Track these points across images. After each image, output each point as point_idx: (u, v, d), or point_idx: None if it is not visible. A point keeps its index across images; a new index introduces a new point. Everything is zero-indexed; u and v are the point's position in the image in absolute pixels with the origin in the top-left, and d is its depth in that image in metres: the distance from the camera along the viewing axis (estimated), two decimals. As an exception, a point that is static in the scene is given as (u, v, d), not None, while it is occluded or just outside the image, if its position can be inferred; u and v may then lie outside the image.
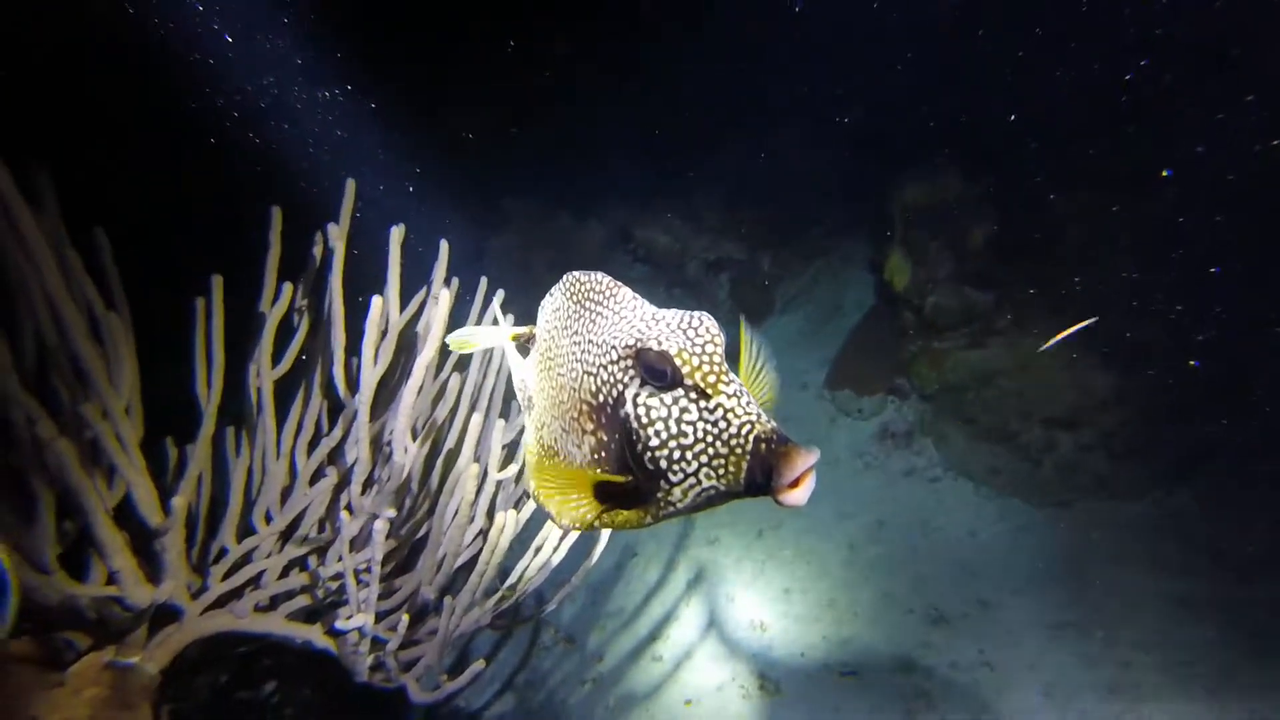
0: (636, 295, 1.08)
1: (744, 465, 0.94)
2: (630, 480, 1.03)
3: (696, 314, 1.01)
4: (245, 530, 2.23)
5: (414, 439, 2.09)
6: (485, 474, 2.15)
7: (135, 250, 2.23)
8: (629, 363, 1.01)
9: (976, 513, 4.47)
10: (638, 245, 5.81)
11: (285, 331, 2.34)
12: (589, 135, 5.89)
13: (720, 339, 1.00)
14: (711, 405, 0.97)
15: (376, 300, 1.80)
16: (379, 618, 2.26)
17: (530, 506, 2.27)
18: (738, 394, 0.97)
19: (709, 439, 0.97)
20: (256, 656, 2.41)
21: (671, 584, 4.51)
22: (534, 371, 1.20)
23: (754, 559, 4.65)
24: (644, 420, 0.99)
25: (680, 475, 0.99)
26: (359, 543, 2.10)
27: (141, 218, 2.77)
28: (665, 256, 5.73)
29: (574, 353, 1.10)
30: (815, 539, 4.70)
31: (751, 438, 0.94)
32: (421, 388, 1.98)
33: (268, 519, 2.22)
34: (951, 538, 4.47)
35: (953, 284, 4.50)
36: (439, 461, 2.29)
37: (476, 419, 1.84)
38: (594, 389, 1.06)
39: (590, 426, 1.07)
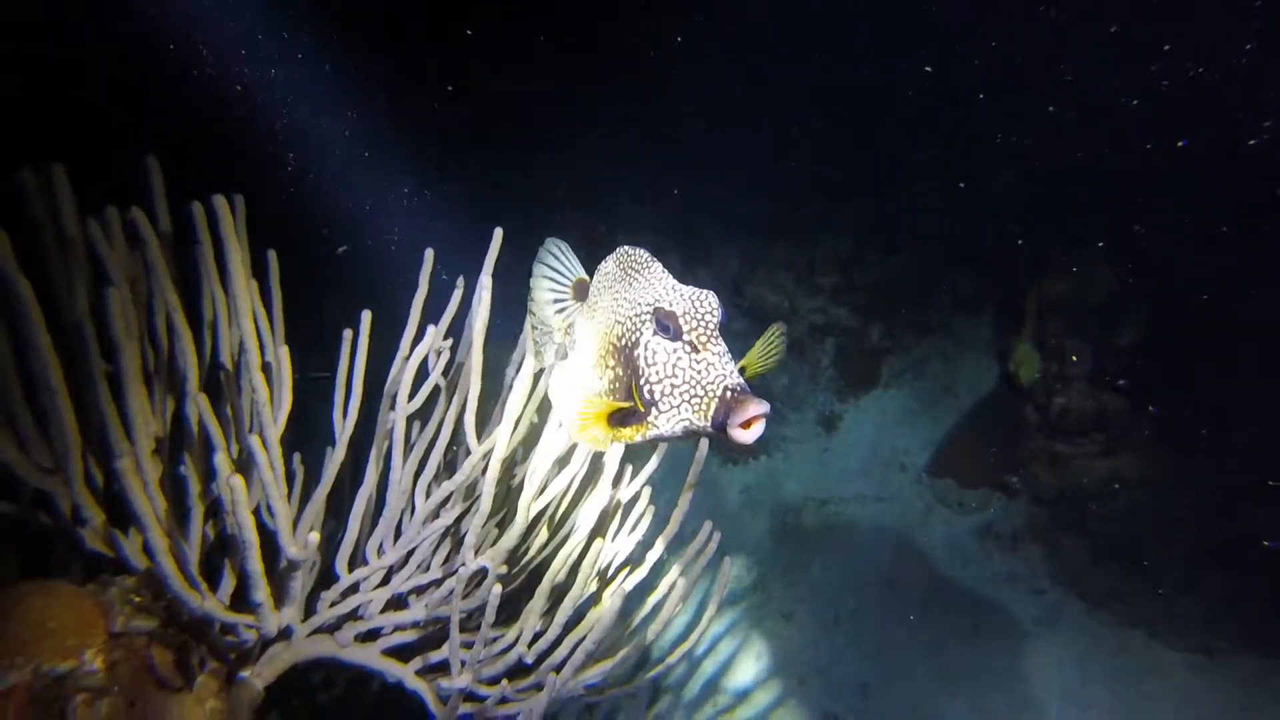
0: (665, 270, 1.40)
1: (712, 405, 1.24)
2: (631, 405, 1.34)
3: (705, 291, 1.33)
4: (356, 558, 2.28)
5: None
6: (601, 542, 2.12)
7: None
8: (647, 316, 1.32)
9: (1090, 639, 4.05)
10: (746, 300, 5.75)
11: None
12: (709, 176, 5.89)
13: (717, 312, 1.30)
14: (699, 358, 1.28)
15: (529, 363, 1.81)
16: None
17: (638, 575, 2.23)
18: (721, 355, 1.28)
19: (692, 382, 1.27)
20: (347, 689, 2.46)
21: (741, 658, 4.33)
22: (581, 319, 1.53)
23: (831, 644, 4.40)
24: (649, 360, 1.31)
25: (668, 406, 1.29)
26: (465, 591, 2.11)
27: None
28: (773, 315, 5.63)
29: (611, 306, 1.42)
30: (901, 633, 4.40)
31: (722, 386, 1.25)
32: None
33: (379, 551, 2.27)
34: (1056, 660, 4.07)
35: (1088, 385, 4.17)
36: (550, 517, 2.28)
37: (596, 495, 1.82)
38: (619, 335, 1.37)
39: (612, 364, 1.39)
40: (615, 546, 2.17)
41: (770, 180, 5.79)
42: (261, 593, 1.66)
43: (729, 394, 1.23)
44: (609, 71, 5.56)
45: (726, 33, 5.53)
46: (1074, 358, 4.02)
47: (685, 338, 1.28)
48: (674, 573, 2.15)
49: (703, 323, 1.28)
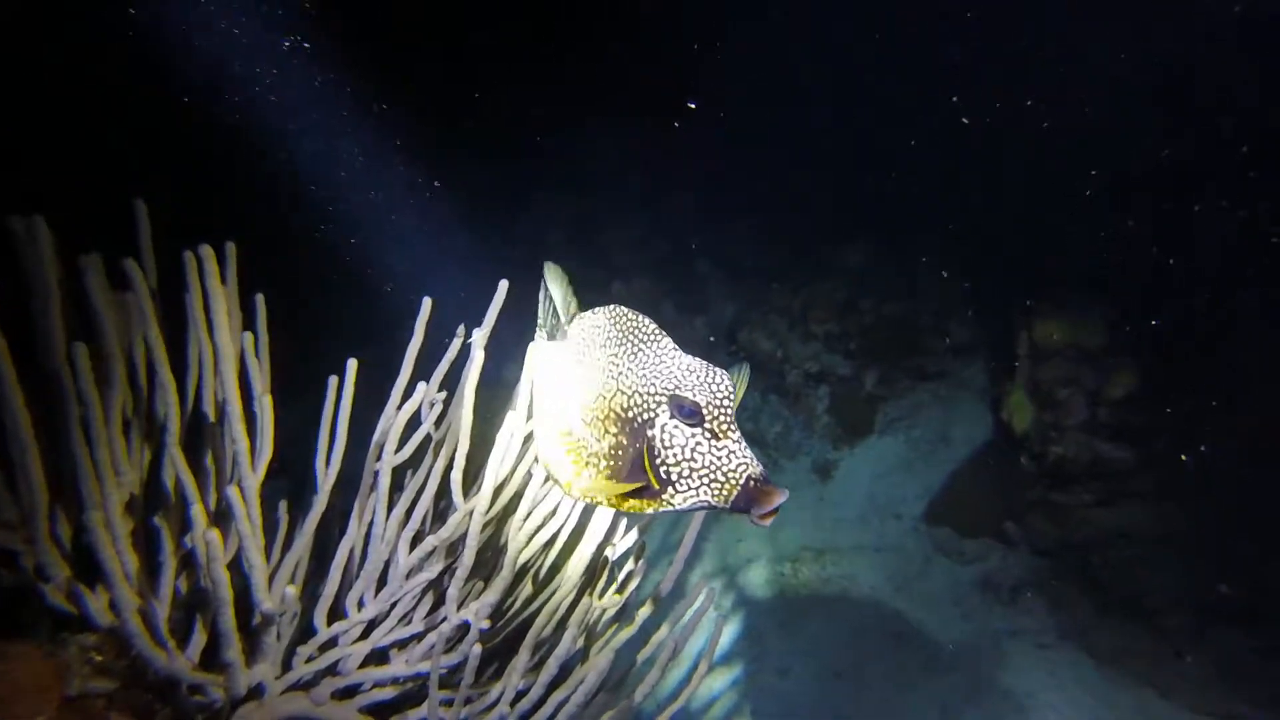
0: (675, 345, 1.42)
1: (734, 493, 1.29)
2: (643, 484, 1.34)
3: (717, 372, 1.35)
4: (335, 612, 2.20)
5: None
6: (589, 602, 2.05)
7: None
8: (663, 399, 1.33)
9: (1100, 697, 3.90)
10: (739, 348, 5.76)
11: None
12: (705, 220, 5.95)
13: (732, 395, 1.34)
14: (720, 445, 1.31)
15: (510, 418, 1.79)
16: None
17: (627, 632, 2.15)
18: (740, 440, 1.32)
19: (713, 468, 1.30)
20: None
21: (736, 717, 4.18)
22: (563, 358, 1.50)
23: (830, 701, 4.26)
24: (667, 443, 1.32)
25: (685, 487, 1.31)
26: (447, 646, 2.03)
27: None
28: (766, 361, 5.63)
29: (609, 369, 1.40)
30: (897, 691, 4.26)
31: (744, 475, 1.29)
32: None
33: (360, 604, 2.19)
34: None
35: (1083, 434, 4.14)
36: (534, 571, 2.21)
37: (585, 551, 1.77)
38: (625, 405, 1.37)
39: (614, 430, 1.37)
40: (604, 602, 2.10)
41: (766, 225, 5.87)
42: (233, 651, 1.59)
43: (752, 484, 1.28)
44: (608, 115, 5.68)
45: (728, 77, 5.68)
46: (1068, 405, 3.98)
47: (706, 425, 1.31)
48: (664, 630, 2.08)
49: (722, 409, 1.31)
